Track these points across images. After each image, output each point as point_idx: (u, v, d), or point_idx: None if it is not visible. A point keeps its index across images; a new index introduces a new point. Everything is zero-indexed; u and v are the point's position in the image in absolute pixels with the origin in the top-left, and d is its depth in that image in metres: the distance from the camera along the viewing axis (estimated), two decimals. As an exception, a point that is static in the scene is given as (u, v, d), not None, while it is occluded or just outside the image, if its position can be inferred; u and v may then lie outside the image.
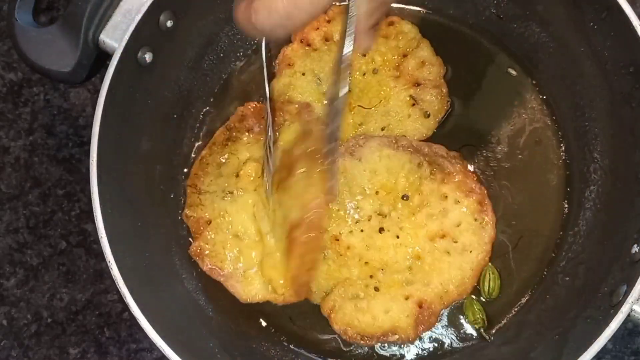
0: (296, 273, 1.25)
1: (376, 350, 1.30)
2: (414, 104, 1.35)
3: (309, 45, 1.40)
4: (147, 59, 1.27)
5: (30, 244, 1.47)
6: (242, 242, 1.29)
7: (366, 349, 1.30)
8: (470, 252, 1.28)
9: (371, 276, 1.27)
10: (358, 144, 1.31)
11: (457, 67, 1.40)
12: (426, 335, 1.30)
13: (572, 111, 1.34)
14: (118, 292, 1.15)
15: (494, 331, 1.30)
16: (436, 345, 1.31)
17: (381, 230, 1.28)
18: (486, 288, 1.29)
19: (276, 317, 1.33)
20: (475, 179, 1.32)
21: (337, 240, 1.28)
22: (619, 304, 1.10)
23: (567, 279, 1.28)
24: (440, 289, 1.27)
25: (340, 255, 1.28)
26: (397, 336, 1.26)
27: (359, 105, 1.36)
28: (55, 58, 1.25)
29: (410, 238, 1.28)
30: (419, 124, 1.35)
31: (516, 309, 1.31)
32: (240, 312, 1.33)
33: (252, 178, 1.30)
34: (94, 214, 1.17)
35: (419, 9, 1.43)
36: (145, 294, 1.18)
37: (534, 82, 1.39)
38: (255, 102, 1.37)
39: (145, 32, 1.24)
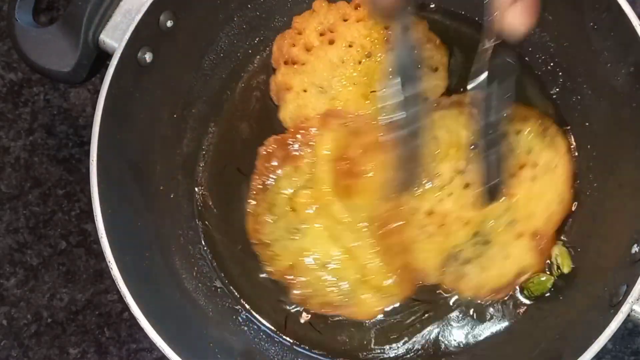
0: (399, 265, 1.26)
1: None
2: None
3: (295, 63, 1.37)
4: (147, 59, 1.27)
5: (30, 244, 1.47)
6: (335, 268, 1.27)
7: (377, 350, 1.31)
8: (555, 166, 1.28)
9: (475, 233, 1.27)
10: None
11: (457, 68, 1.40)
12: (425, 338, 1.31)
13: (571, 111, 1.34)
14: (118, 292, 1.15)
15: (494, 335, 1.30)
16: (435, 346, 1.31)
17: (467, 185, 1.27)
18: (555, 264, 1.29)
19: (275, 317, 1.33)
20: (521, 104, 1.32)
21: (432, 213, 1.27)
22: (619, 304, 1.09)
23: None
24: (545, 214, 1.27)
25: (442, 225, 1.27)
26: (528, 274, 1.26)
27: (371, 92, 1.35)
28: (55, 58, 1.26)
29: None
30: (433, 79, 1.35)
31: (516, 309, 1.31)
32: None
33: (308, 206, 1.29)
34: (94, 213, 1.17)
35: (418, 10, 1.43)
36: (145, 294, 1.18)
37: (533, 82, 1.39)
38: (274, 135, 1.34)
39: (146, 32, 1.24)
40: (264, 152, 1.33)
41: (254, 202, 1.31)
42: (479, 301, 1.29)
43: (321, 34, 1.37)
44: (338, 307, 1.27)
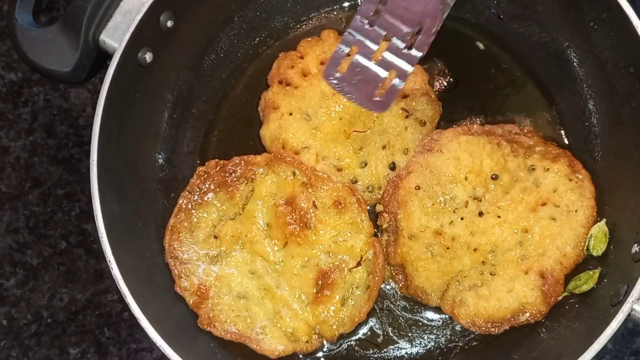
0: (334, 318, 1.26)
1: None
2: (407, 116, 1.34)
3: (288, 84, 1.37)
4: (147, 59, 1.27)
5: (30, 244, 1.47)
6: (248, 301, 1.27)
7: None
8: (576, 211, 1.27)
9: (483, 262, 1.27)
10: (433, 139, 1.31)
11: (456, 68, 1.41)
12: (430, 337, 1.31)
13: (572, 111, 1.34)
14: (118, 292, 1.16)
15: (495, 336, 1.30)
16: (438, 346, 1.31)
17: (481, 213, 1.27)
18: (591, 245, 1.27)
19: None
20: (555, 144, 1.32)
21: (440, 234, 1.27)
22: (620, 304, 1.10)
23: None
24: (557, 255, 1.25)
25: (448, 248, 1.27)
26: (528, 314, 1.24)
27: (354, 131, 1.35)
28: (56, 58, 1.26)
29: (512, 214, 1.27)
30: (417, 133, 1.34)
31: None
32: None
33: (233, 237, 1.28)
34: (94, 214, 1.17)
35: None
36: (145, 294, 1.19)
37: (534, 82, 1.39)
38: (216, 160, 1.32)
39: (146, 32, 1.25)
40: (201, 172, 1.32)
41: (175, 219, 1.30)
42: (473, 330, 1.27)
43: (321, 63, 1.37)
44: (243, 337, 1.26)
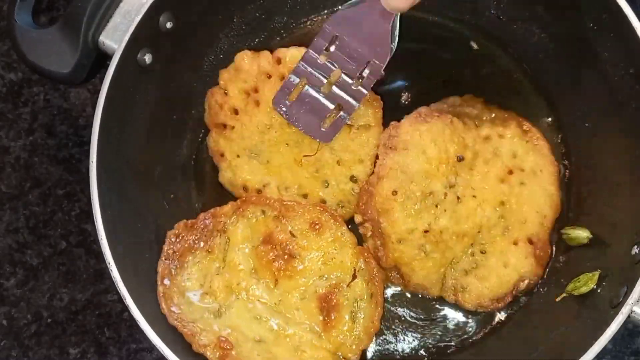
0: (351, 336, 1.25)
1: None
2: (350, 127, 1.32)
3: (224, 126, 1.35)
4: (147, 60, 1.27)
5: (30, 244, 1.47)
6: (267, 343, 1.25)
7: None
8: (541, 170, 1.30)
9: (472, 244, 1.28)
10: (392, 136, 1.29)
11: (457, 68, 1.41)
12: (429, 337, 1.31)
13: (572, 111, 1.34)
14: (118, 292, 1.16)
15: (494, 332, 1.30)
16: (440, 345, 1.31)
17: (458, 199, 1.28)
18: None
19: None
20: (499, 107, 1.34)
21: (428, 232, 1.26)
22: (619, 306, 1.10)
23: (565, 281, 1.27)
24: (538, 218, 1.29)
25: (438, 243, 1.27)
26: (527, 280, 1.28)
27: (304, 156, 1.33)
28: (55, 59, 1.26)
29: (485, 191, 1.28)
30: (366, 139, 1.32)
31: (516, 309, 1.31)
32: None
33: (225, 288, 1.27)
34: (94, 216, 1.17)
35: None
36: (144, 295, 1.19)
37: (534, 83, 1.39)
38: (185, 220, 1.31)
39: (145, 33, 1.24)
40: (172, 235, 1.30)
41: (162, 288, 1.27)
42: (481, 310, 1.29)
43: (247, 94, 1.35)
44: None
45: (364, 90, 1.25)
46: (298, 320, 1.25)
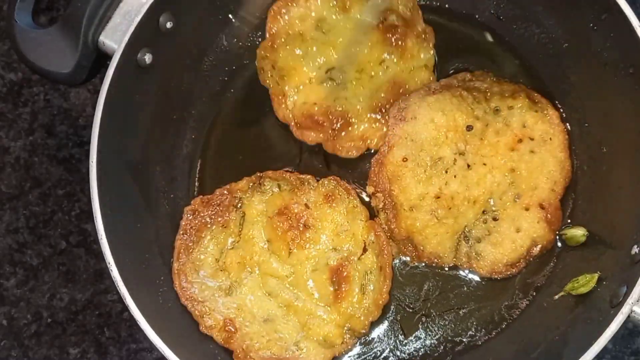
0: (361, 308, 1.27)
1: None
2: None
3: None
4: (146, 60, 1.27)
5: (30, 244, 1.47)
6: (275, 322, 1.27)
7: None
8: (551, 139, 1.31)
9: (484, 211, 1.30)
10: (401, 107, 1.32)
11: (457, 68, 1.40)
12: (434, 335, 1.31)
13: (572, 112, 1.34)
14: (118, 292, 1.16)
15: (493, 334, 1.30)
16: (442, 345, 1.31)
17: (468, 166, 1.29)
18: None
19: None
20: (508, 81, 1.36)
21: (439, 197, 1.28)
22: (619, 305, 1.10)
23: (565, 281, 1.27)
24: (548, 183, 1.30)
25: (450, 208, 1.28)
26: (539, 245, 1.29)
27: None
28: (55, 59, 1.26)
29: (495, 158, 1.30)
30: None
31: (516, 310, 1.31)
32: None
33: (239, 264, 1.28)
34: (94, 216, 1.17)
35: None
36: (144, 295, 1.19)
37: (533, 82, 1.39)
38: (201, 196, 1.33)
39: (145, 33, 1.25)
40: (189, 212, 1.32)
41: (177, 264, 1.29)
42: (495, 276, 1.30)
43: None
44: (283, 359, 1.26)
45: None
46: (309, 292, 1.27)
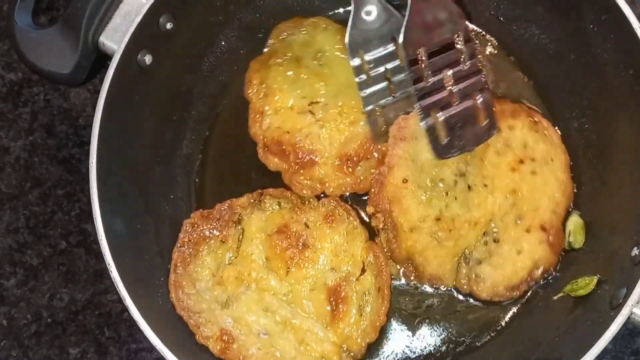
0: (357, 330, 1.26)
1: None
2: None
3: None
4: (146, 61, 1.27)
5: (30, 244, 1.47)
6: (272, 337, 1.26)
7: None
8: (552, 159, 1.30)
9: (485, 233, 1.28)
10: (402, 126, 1.29)
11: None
12: (431, 337, 1.32)
13: (571, 113, 1.34)
14: (118, 292, 1.16)
15: (493, 336, 1.31)
16: (442, 346, 1.32)
17: (469, 187, 1.28)
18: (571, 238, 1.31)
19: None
20: (509, 100, 1.34)
21: (440, 219, 1.27)
22: (619, 307, 1.10)
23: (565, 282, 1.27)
24: (550, 205, 1.29)
25: (451, 230, 1.27)
26: (541, 268, 1.28)
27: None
28: (55, 60, 1.26)
29: (497, 179, 1.28)
30: None
31: (516, 311, 1.31)
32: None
33: (236, 279, 1.28)
34: (94, 216, 1.18)
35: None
36: (144, 296, 1.19)
37: (533, 83, 1.39)
38: (201, 210, 1.32)
39: (145, 34, 1.25)
40: (188, 225, 1.31)
41: (174, 275, 1.29)
42: (496, 299, 1.29)
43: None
44: None
45: (474, 60, 1.19)
46: (306, 311, 1.26)
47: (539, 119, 1.33)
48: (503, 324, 1.31)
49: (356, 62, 1.24)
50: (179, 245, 1.30)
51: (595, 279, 1.21)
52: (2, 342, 1.43)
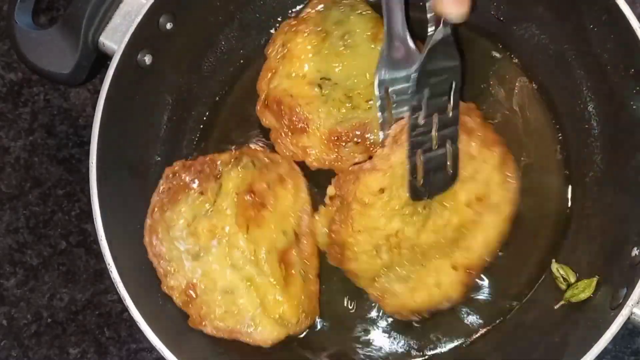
0: (304, 293, 1.28)
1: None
2: None
3: None
4: (146, 61, 1.27)
5: (30, 244, 1.47)
6: (234, 294, 1.27)
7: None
8: (503, 208, 1.28)
9: (419, 256, 1.26)
10: (404, 131, 1.24)
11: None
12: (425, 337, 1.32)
13: (571, 113, 1.34)
14: (118, 292, 1.16)
15: (492, 335, 1.31)
16: (435, 346, 1.32)
17: (429, 214, 1.24)
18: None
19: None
20: (492, 129, 1.30)
21: (390, 237, 1.23)
22: (619, 307, 1.10)
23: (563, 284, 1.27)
24: (482, 251, 1.27)
25: (393, 249, 1.24)
26: (448, 305, 1.28)
27: None
28: (55, 60, 1.26)
29: (453, 212, 1.25)
30: None
31: (515, 311, 1.31)
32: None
33: (208, 232, 1.28)
34: (94, 216, 1.18)
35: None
36: (144, 296, 1.19)
37: (533, 84, 1.39)
38: (183, 160, 1.32)
39: (145, 34, 1.25)
40: (169, 174, 1.32)
41: (150, 220, 1.30)
42: (395, 317, 1.30)
43: None
44: (234, 332, 1.27)
45: (457, 111, 1.20)
46: (265, 270, 1.27)
47: (509, 162, 1.29)
48: (502, 324, 1.31)
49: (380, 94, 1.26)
50: (159, 191, 1.31)
51: (594, 281, 1.21)
52: (2, 342, 1.44)
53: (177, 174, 1.31)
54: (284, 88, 1.35)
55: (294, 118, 1.33)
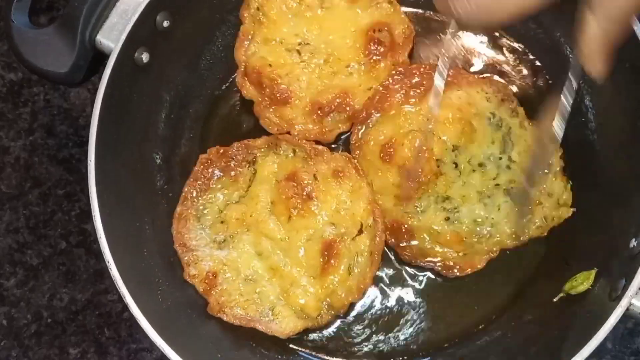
0: (342, 287, 1.27)
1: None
2: None
3: None
4: (144, 59, 1.28)
5: (30, 244, 1.48)
6: (257, 283, 1.28)
7: (370, 346, 1.31)
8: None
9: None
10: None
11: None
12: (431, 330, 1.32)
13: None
14: (118, 292, 1.16)
15: (490, 330, 1.31)
16: (433, 343, 1.31)
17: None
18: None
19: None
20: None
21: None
22: (618, 299, 1.10)
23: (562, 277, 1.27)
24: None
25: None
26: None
27: None
28: (52, 59, 1.26)
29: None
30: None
31: (514, 304, 1.31)
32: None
33: (238, 220, 1.30)
34: (93, 215, 1.18)
35: (413, 9, 1.44)
36: (144, 294, 1.19)
37: (533, 84, 1.39)
38: (217, 146, 1.33)
39: (142, 32, 1.25)
40: (204, 159, 1.33)
41: (182, 207, 1.31)
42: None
43: None
44: (254, 320, 1.27)
45: None
46: (299, 258, 1.27)
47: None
48: (500, 318, 1.31)
49: None
50: (191, 179, 1.32)
51: (593, 273, 1.21)
52: (2, 342, 1.44)
53: (210, 161, 1.33)
54: (262, 56, 1.35)
55: (274, 90, 1.34)
